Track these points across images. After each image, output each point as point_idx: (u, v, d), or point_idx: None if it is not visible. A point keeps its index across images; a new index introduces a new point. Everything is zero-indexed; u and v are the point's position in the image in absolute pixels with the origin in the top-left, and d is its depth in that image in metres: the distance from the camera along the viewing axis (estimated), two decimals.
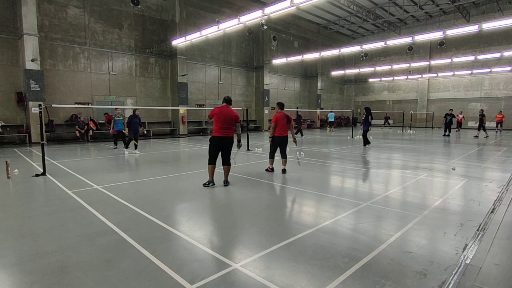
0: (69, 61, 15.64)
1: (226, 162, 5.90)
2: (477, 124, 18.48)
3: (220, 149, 5.77)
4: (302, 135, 17.56)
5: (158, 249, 3.16)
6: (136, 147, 11.28)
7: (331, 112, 27.73)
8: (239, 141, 6.13)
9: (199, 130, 21.05)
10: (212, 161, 5.77)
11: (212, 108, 6.15)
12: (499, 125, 21.61)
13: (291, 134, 7.40)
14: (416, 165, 8.38)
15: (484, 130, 18.03)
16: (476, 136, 17.56)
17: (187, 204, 4.89)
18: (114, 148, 12.37)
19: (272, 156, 7.26)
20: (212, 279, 2.59)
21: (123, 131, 11.64)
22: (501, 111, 22.94)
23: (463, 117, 22.06)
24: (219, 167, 6.14)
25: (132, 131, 11.08)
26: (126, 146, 11.10)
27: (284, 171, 7.13)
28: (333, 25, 26.77)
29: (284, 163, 7.21)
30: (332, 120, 27.25)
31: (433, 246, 3.27)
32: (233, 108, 5.93)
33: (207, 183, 5.84)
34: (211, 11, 20.56)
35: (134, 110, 11.27)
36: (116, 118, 11.86)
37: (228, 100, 5.87)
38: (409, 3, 21.26)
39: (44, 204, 4.93)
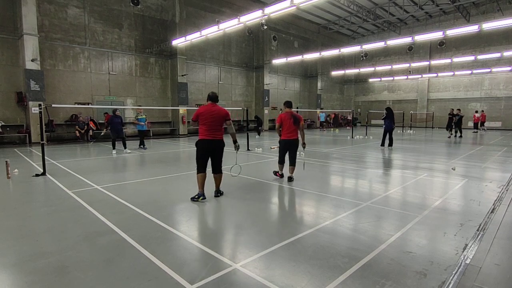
0: (69, 61, 15.64)
1: (217, 170, 5.08)
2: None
3: (210, 154, 4.98)
4: (259, 135, 19.02)
5: (158, 249, 3.16)
6: (125, 146, 11.15)
7: (322, 112, 27.98)
8: (235, 141, 5.28)
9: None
10: (201, 170, 4.93)
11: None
12: (482, 125, 21.67)
13: (301, 137, 6.44)
14: (416, 165, 8.37)
15: (451, 130, 17.79)
16: (449, 137, 17.32)
17: (187, 204, 4.88)
18: (144, 148, 12.25)
19: (281, 162, 6.56)
20: (212, 279, 2.59)
21: (144, 129, 12.41)
22: (482, 111, 22.98)
23: (479, 117, 22.12)
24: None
25: (114, 132, 10.93)
26: (113, 147, 10.85)
27: (290, 179, 6.32)
28: (333, 25, 26.77)
29: (292, 170, 6.39)
30: (323, 120, 27.43)
31: (433, 246, 3.27)
32: (233, 108, 5.74)
33: (196, 196, 4.93)
34: (211, 11, 20.55)
35: (114, 111, 11.13)
36: (139, 117, 12.15)
37: (213, 97, 4.99)
38: (409, 3, 21.27)
39: (44, 204, 4.93)
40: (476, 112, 22.38)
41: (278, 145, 6.66)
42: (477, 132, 21.44)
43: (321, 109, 29.86)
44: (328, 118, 29.44)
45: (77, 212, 4.40)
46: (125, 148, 11.04)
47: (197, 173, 4.98)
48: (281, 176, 6.64)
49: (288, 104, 6.44)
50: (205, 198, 4.95)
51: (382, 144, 12.46)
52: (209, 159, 5.06)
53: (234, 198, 5.19)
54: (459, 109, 18.61)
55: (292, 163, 6.43)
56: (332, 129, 23.10)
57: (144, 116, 12.36)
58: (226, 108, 5.22)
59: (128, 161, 9.55)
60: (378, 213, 4.33)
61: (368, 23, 23.94)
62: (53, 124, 14.88)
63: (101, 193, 5.49)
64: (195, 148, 5.02)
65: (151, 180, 6.60)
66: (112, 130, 10.95)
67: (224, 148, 5.16)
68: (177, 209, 4.74)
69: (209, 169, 5.07)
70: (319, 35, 28.14)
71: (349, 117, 29.90)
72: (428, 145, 13.79)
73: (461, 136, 17.76)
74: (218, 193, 5.23)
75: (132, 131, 16.78)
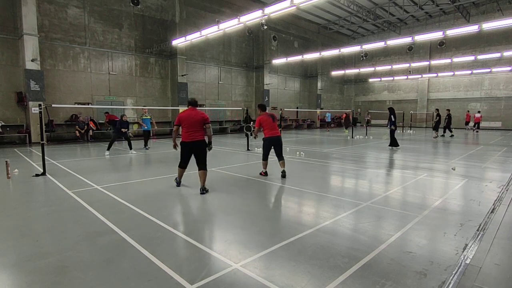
0: (69, 61, 15.65)
1: (202, 167, 5.42)
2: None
3: (193, 153, 5.46)
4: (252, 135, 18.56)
5: (158, 249, 3.16)
6: (130, 147, 11.18)
7: (328, 112, 27.86)
8: (209, 143, 5.57)
9: None
10: (181, 165, 5.63)
11: (213, 108, 5.85)
12: (476, 125, 21.76)
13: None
14: (416, 165, 8.37)
15: (436, 130, 17.70)
16: (435, 137, 17.25)
17: (187, 204, 4.89)
18: (146, 148, 12.18)
19: (265, 158, 6.79)
20: (212, 279, 2.59)
21: (149, 130, 12.40)
22: (479, 111, 23.08)
23: (481, 116, 22.23)
24: (188, 172, 5.90)
25: (120, 134, 10.97)
26: (108, 148, 10.72)
27: (283, 173, 6.57)
28: (333, 25, 26.78)
29: (283, 164, 6.65)
30: (329, 120, 27.29)
31: (433, 246, 3.27)
32: (233, 108, 5.87)
33: (174, 180, 5.94)
34: (211, 11, 20.56)
35: (122, 116, 11.11)
36: (143, 117, 12.14)
37: (192, 102, 5.55)
38: (409, 3, 21.27)
39: (44, 204, 4.93)
40: (479, 112, 22.63)
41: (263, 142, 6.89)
42: (477, 131, 21.56)
43: (321, 109, 29.86)
44: (332, 118, 29.22)
45: (77, 212, 4.40)
46: (130, 149, 11.06)
47: (178, 167, 5.72)
48: (265, 174, 6.87)
49: (262, 108, 6.95)
50: (179, 186, 5.83)
51: (395, 144, 12.26)
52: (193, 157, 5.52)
53: (234, 198, 5.19)
54: (448, 109, 18.58)
55: (281, 158, 6.71)
56: (345, 130, 20.93)
57: (148, 117, 12.31)
58: (226, 108, 5.44)
59: (128, 161, 9.55)
60: (378, 213, 4.33)
61: (368, 23, 23.94)
62: (53, 124, 14.88)
63: (101, 193, 5.48)
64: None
65: (151, 180, 6.60)
66: (117, 131, 10.94)
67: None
68: (177, 209, 4.74)
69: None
70: (319, 35, 28.14)
71: (367, 117, 29.51)
72: (428, 145, 13.78)
73: (452, 135, 17.85)
74: (204, 190, 5.38)
75: (133, 131, 16.80)
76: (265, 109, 6.97)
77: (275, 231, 3.72)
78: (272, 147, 6.75)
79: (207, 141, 5.54)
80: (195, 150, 5.43)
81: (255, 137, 7.13)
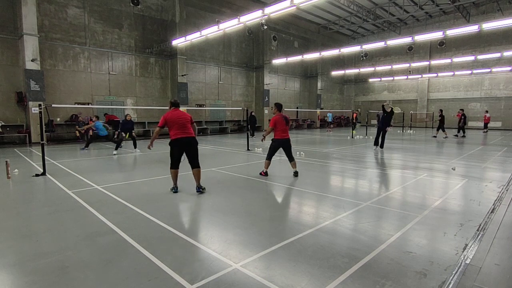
0: (69, 61, 15.65)
1: (196, 165, 5.45)
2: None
3: (185, 150, 5.43)
4: (252, 135, 18.43)
5: (158, 249, 3.16)
6: (135, 145, 11.45)
7: (329, 112, 27.76)
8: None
9: (199, 130, 21.08)
10: (174, 166, 5.48)
11: (213, 108, 5.85)
12: (485, 126, 21.82)
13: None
14: (416, 165, 8.37)
15: (443, 130, 17.63)
16: (435, 136, 17.20)
17: (187, 204, 4.89)
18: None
19: (269, 158, 6.84)
20: (212, 279, 2.59)
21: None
22: (487, 111, 23.18)
23: (489, 116, 22.33)
24: (186, 172, 5.74)
25: (126, 134, 11.16)
26: (116, 148, 10.88)
27: (296, 173, 6.73)
28: (333, 25, 26.77)
29: (294, 165, 6.81)
30: (331, 120, 27.18)
31: (433, 246, 3.27)
32: (233, 108, 5.87)
33: (171, 189, 5.57)
34: (211, 11, 20.56)
35: (126, 116, 11.27)
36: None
37: (175, 103, 5.64)
38: (409, 3, 21.27)
39: (44, 204, 4.93)
40: (487, 112, 22.69)
41: (272, 143, 6.88)
42: (486, 131, 21.59)
43: (321, 109, 29.85)
44: (334, 118, 29.04)
45: (77, 212, 4.40)
46: (135, 148, 11.13)
47: (171, 169, 5.53)
48: (266, 174, 6.86)
49: (279, 107, 6.83)
50: (176, 192, 5.47)
51: (377, 144, 12.18)
52: (185, 157, 5.49)
53: (234, 198, 5.19)
54: (441, 110, 18.54)
55: (292, 159, 6.86)
56: (354, 131, 19.03)
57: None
58: (226, 108, 5.41)
59: (128, 161, 9.55)
60: (378, 213, 4.33)
61: (368, 23, 23.93)
62: (53, 124, 14.88)
63: (101, 193, 5.49)
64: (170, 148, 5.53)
65: (151, 180, 6.60)
66: (123, 132, 11.02)
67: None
68: (177, 209, 4.74)
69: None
70: (319, 35, 28.13)
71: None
72: (428, 145, 13.78)
73: (446, 137, 17.84)
74: (201, 188, 5.42)
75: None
76: (281, 109, 6.84)
77: (275, 231, 3.72)
78: (282, 149, 6.84)
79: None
80: (188, 146, 5.41)
81: (262, 140, 7.03)
